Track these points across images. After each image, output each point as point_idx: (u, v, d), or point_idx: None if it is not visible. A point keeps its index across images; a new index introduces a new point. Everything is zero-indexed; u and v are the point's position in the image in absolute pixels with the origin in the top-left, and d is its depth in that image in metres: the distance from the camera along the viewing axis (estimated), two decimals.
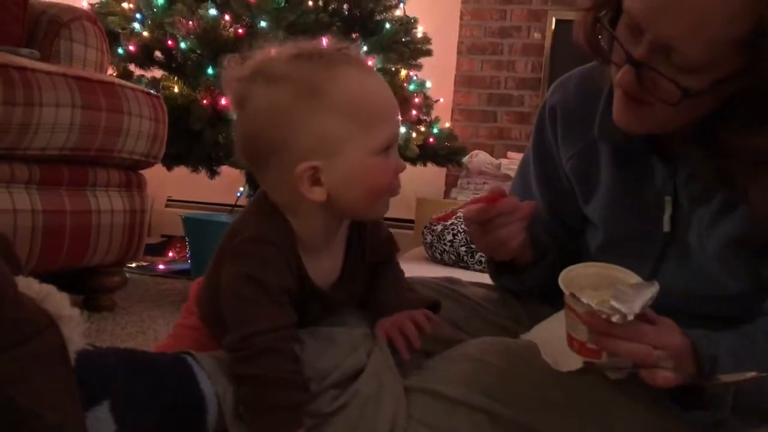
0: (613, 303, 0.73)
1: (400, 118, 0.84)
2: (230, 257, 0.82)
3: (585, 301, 0.75)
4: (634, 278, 0.80)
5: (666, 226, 0.92)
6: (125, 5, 2.40)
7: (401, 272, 0.94)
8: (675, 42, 0.73)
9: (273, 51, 0.82)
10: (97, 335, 1.67)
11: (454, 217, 2.46)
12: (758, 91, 0.75)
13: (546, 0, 3.49)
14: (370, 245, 0.90)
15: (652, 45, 0.76)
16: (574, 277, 0.81)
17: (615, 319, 0.73)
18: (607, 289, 0.77)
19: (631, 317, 0.73)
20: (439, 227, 2.42)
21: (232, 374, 0.79)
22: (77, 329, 0.67)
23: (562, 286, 0.79)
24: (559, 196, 1.05)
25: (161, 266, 2.79)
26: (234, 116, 0.83)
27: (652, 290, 0.75)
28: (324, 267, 0.87)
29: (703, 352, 0.78)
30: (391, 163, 0.81)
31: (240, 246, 0.81)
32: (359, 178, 0.79)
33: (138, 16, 2.38)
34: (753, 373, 0.74)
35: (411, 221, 3.23)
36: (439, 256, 2.41)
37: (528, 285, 1.03)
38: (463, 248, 2.35)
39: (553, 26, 3.42)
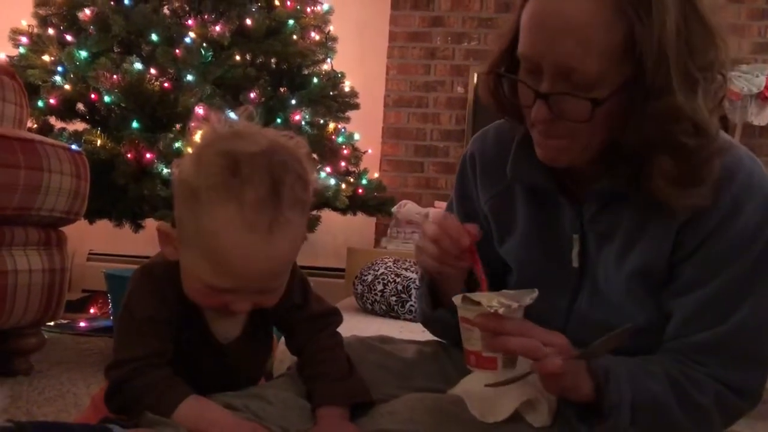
0: (500, 299, 0.83)
1: (260, 284, 0.85)
2: None
3: (476, 300, 0.83)
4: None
5: (575, 262, 0.97)
6: (46, 58, 2.36)
7: (333, 354, 0.97)
8: (570, 60, 0.80)
9: (210, 136, 0.87)
10: (12, 402, 1.59)
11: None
12: (644, 94, 0.80)
13: (468, 56, 3.64)
14: (273, 310, 0.93)
15: (552, 74, 0.82)
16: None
17: (502, 310, 0.81)
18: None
19: (515, 306, 0.82)
20: (370, 277, 2.43)
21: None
22: None
23: (454, 300, 0.86)
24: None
25: (82, 324, 2.68)
26: None
27: (531, 294, 0.86)
28: (224, 321, 0.93)
29: (594, 365, 0.85)
30: (221, 300, 0.85)
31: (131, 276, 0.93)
32: (186, 278, 0.87)
33: (59, 69, 2.33)
34: (619, 329, 0.81)
35: (342, 270, 3.23)
36: (369, 307, 2.41)
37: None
38: (394, 298, 2.36)
39: (475, 80, 3.56)
